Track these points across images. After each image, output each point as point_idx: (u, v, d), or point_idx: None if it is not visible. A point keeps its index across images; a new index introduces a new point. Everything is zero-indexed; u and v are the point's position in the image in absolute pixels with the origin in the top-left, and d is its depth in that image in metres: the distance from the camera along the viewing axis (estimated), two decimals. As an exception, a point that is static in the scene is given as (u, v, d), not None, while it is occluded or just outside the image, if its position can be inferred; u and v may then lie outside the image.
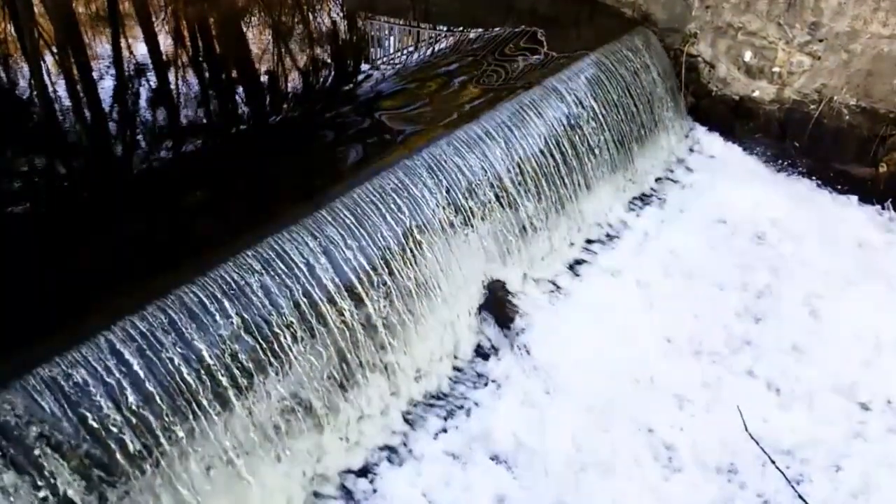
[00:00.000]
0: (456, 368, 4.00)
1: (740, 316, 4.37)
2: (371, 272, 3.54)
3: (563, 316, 4.26)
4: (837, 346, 4.10)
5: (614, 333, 4.13)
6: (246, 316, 3.05)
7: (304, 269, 3.28)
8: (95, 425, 2.61)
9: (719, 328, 4.27)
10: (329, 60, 5.62)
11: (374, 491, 3.38)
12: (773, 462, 3.35)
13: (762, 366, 4.02)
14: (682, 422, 3.70)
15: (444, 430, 3.67)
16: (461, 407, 3.78)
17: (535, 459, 3.50)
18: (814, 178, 5.56)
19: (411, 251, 3.75)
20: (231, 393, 2.99)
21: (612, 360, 3.97)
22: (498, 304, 4.19)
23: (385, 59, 5.55)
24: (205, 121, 4.69)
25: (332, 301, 3.35)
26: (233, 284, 3.05)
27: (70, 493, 2.54)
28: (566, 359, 3.95)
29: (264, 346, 3.09)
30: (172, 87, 5.08)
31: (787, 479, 3.32)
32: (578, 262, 4.77)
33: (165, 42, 5.61)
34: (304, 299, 3.25)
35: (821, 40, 5.23)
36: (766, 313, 4.38)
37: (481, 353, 4.09)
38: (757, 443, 3.40)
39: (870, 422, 3.75)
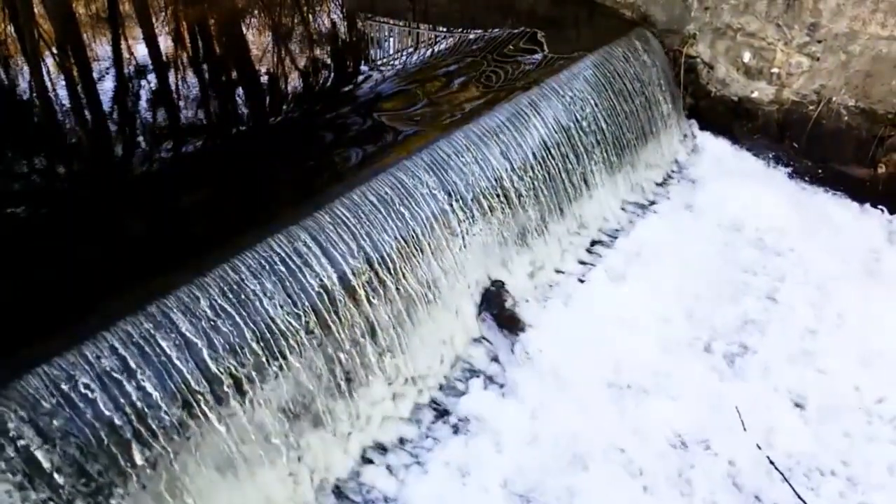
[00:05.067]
0: (453, 367, 4.00)
1: (740, 317, 4.36)
2: (371, 273, 3.54)
3: (562, 317, 4.26)
4: (836, 347, 4.10)
5: (614, 335, 4.12)
6: (245, 316, 3.06)
7: (304, 270, 3.29)
8: (95, 426, 2.61)
9: (719, 330, 4.27)
10: (329, 61, 5.63)
11: (371, 489, 3.39)
12: (774, 464, 3.36)
13: (762, 368, 4.01)
14: (683, 425, 3.69)
15: (441, 428, 3.67)
16: (458, 405, 3.78)
17: (534, 461, 3.50)
18: (812, 178, 5.57)
19: (411, 252, 3.75)
20: (231, 393, 2.99)
21: (612, 362, 3.97)
22: (498, 306, 4.19)
23: (385, 60, 5.56)
24: (205, 121, 4.69)
25: (331, 301, 3.36)
26: (232, 284, 3.05)
27: (70, 494, 2.54)
28: (566, 360, 3.95)
29: (264, 346, 3.09)
30: (172, 87, 5.09)
31: (788, 482, 3.33)
32: (578, 263, 4.78)
33: (165, 43, 5.62)
34: (304, 300, 3.25)
35: (819, 41, 5.24)
36: (766, 314, 4.38)
37: (479, 352, 4.09)
38: (757, 445, 3.42)
39: (874, 426, 3.74)
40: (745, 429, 3.59)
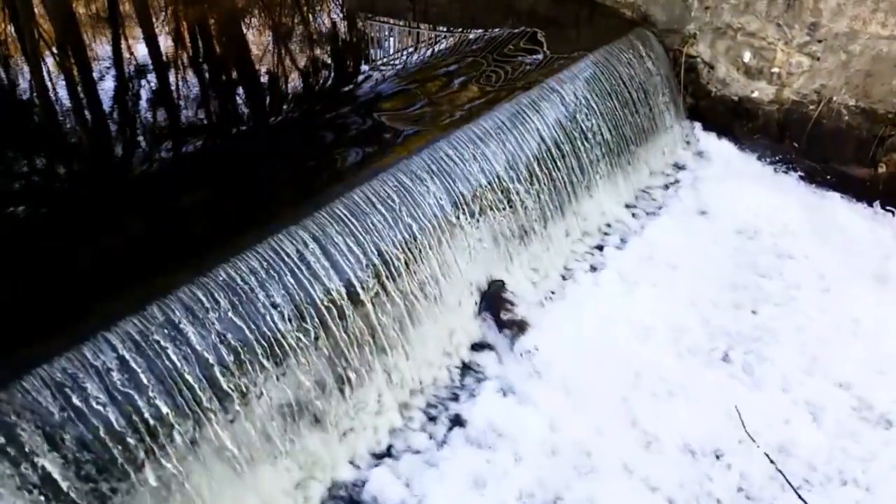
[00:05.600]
0: (455, 369, 3.99)
1: (739, 316, 4.35)
2: (371, 273, 3.54)
3: (562, 316, 4.25)
4: (837, 346, 4.09)
5: (613, 334, 4.12)
6: (245, 316, 3.05)
7: (305, 270, 3.28)
8: (96, 426, 2.61)
9: (719, 329, 4.25)
10: (329, 61, 5.63)
11: (371, 487, 3.38)
12: (773, 462, 3.34)
13: (762, 367, 4.01)
14: (685, 423, 3.67)
15: (444, 431, 3.66)
16: (461, 409, 3.77)
17: (535, 460, 3.49)
18: (813, 178, 5.55)
19: (411, 252, 3.75)
20: (231, 393, 2.99)
21: (611, 361, 3.96)
22: (498, 305, 4.19)
23: (385, 59, 5.56)
24: (205, 121, 4.69)
25: (331, 301, 3.35)
26: (233, 284, 3.05)
27: (71, 496, 2.54)
28: (566, 359, 3.94)
29: (264, 346, 3.09)
30: (172, 87, 5.09)
31: (786, 479, 3.31)
32: (578, 262, 4.77)
33: (165, 43, 5.62)
34: (304, 300, 3.25)
35: (820, 41, 5.24)
36: (767, 313, 4.37)
37: (480, 353, 4.08)
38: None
39: (873, 424, 3.72)
40: (744, 427, 3.56)
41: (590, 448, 3.55)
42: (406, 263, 3.71)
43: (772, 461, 3.37)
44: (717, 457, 3.57)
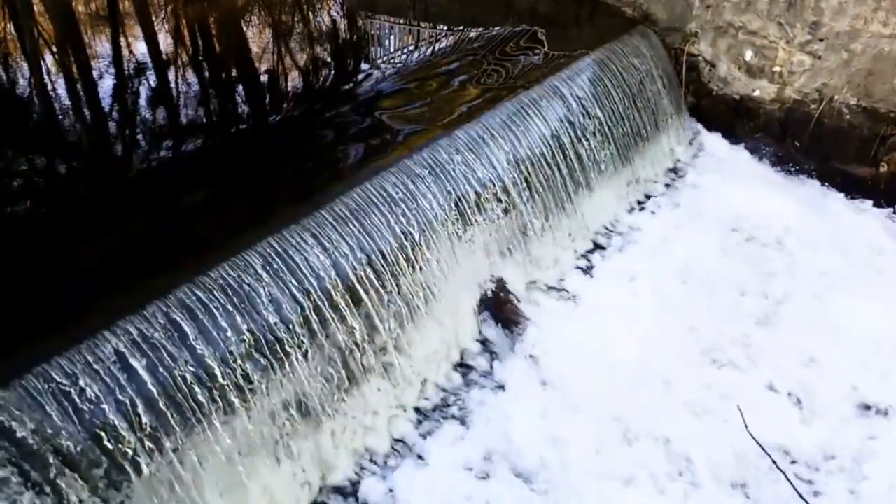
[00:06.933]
0: (457, 370, 3.98)
1: (741, 316, 4.34)
2: (372, 272, 3.53)
3: (564, 317, 4.25)
4: (839, 346, 4.08)
5: (614, 335, 4.11)
6: (246, 316, 3.04)
7: (305, 269, 3.28)
8: (95, 426, 2.60)
9: (721, 329, 4.24)
10: (329, 60, 5.62)
11: (380, 492, 3.37)
12: (776, 463, 3.33)
13: (765, 368, 3.99)
14: (685, 426, 3.66)
15: (445, 431, 3.65)
16: (463, 409, 3.77)
17: (538, 462, 3.49)
18: (814, 177, 5.55)
19: (412, 251, 3.74)
20: (232, 395, 2.98)
21: (613, 363, 3.95)
22: (499, 306, 4.18)
23: (385, 58, 5.55)
24: (205, 121, 4.68)
25: (332, 302, 3.34)
26: (233, 284, 3.04)
27: (71, 495, 2.54)
28: (568, 360, 3.94)
29: (265, 347, 3.08)
30: (172, 86, 5.08)
31: (789, 481, 3.29)
32: (580, 262, 4.76)
33: (165, 42, 5.61)
34: (305, 300, 3.24)
35: (821, 40, 5.23)
36: (768, 313, 4.36)
37: (482, 354, 4.07)
38: (758, 443, 3.37)
39: (883, 427, 3.70)
40: (746, 427, 3.55)
41: (588, 444, 3.54)
42: (407, 262, 3.70)
43: (774, 461, 3.35)
44: (718, 452, 3.54)
